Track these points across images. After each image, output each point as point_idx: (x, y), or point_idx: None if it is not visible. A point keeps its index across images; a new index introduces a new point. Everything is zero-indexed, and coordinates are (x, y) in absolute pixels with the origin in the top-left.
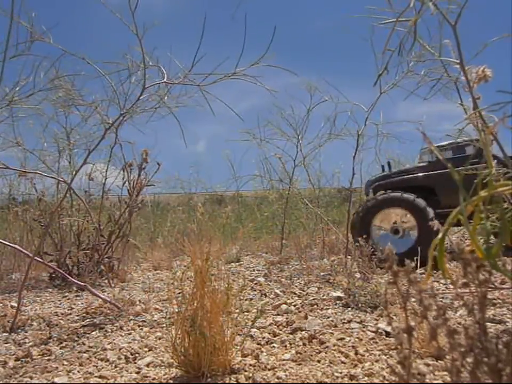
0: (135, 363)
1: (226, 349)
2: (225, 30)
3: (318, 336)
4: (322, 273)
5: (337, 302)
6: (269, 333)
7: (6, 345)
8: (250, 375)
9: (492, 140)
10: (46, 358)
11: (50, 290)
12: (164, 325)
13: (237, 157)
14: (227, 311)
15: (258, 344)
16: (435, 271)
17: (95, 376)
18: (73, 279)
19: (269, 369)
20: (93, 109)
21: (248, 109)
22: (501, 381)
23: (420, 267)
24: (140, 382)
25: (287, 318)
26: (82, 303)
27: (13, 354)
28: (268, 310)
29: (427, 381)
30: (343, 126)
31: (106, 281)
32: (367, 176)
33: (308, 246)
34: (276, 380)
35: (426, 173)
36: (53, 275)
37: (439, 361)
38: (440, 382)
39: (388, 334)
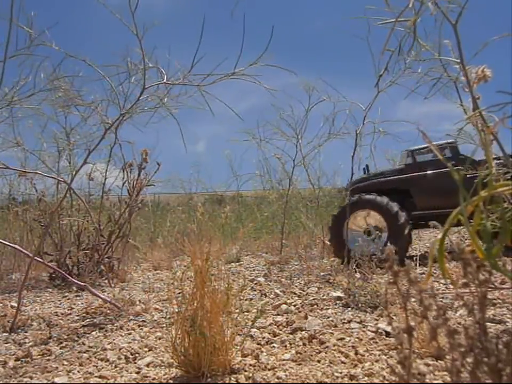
0: (135, 363)
1: (226, 349)
2: (225, 30)
3: (318, 336)
4: (322, 273)
5: (337, 302)
6: (269, 333)
7: (6, 345)
8: (250, 375)
9: (492, 139)
10: (46, 358)
11: (50, 290)
12: (164, 325)
13: (237, 157)
14: (227, 311)
15: (258, 344)
16: (435, 271)
17: (95, 376)
18: (73, 279)
19: (269, 369)
20: (92, 109)
21: (248, 108)
22: (501, 381)
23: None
24: (140, 382)
25: (287, 318)
26: (82, 303)
27: (13, 354)
28: (268, 310)
29: (427, 381)
30: (342, 125)
31: (106, 281)
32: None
33: (308, 246)
34: (276, 380)
35: (401, 176)
36: (53, 275)
37: (439, 361)
38: (440, 382)
39: (387, 334)
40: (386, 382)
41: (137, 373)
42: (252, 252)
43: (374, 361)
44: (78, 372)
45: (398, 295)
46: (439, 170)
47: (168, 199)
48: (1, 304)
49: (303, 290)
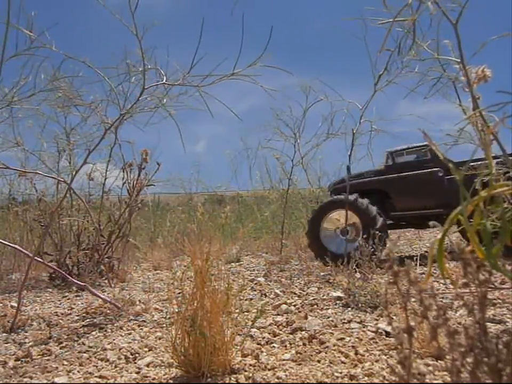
0: (135, 363)
1: (226, 349)
2: (224, 30)
3: (318, 336)
4: (322, 273)
5: (337, 302)
6: (269, 333)
7: (6, 345)
8: (250, 375)
9: (492, 139)
10: (46, 358)
11: (50, 290)
12: (164, 325)
13: (237, 157)
14: (227, 311)
15: (258, 344)
16: (435, 271)
17: (95, 376)
18: (73, 279)
19: (269, 369)
20: (92, 109)
21: (248, 109)
22: (501, 381)
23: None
24: (140, 382)
25: (287, 318)
26: (82, 303)
27: (13, 354)
28: (268, 310)
29: (427, 381)
30: (341, 124)
31: (106, 281)
32: None
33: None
34: (276, 380)
35: (380, 177)
36: (53, 275)
37: (439, 361)
38: (440, 382)
39: (388, 334)
40: (386, 382)
41: (137, 373)
42: (252, 252)
43: (374, 361)
44: (78, 371)
45: (398, 295)
46: (415, 172)
47: (168, 199)
48: (1, 304)
49: (303, 290)
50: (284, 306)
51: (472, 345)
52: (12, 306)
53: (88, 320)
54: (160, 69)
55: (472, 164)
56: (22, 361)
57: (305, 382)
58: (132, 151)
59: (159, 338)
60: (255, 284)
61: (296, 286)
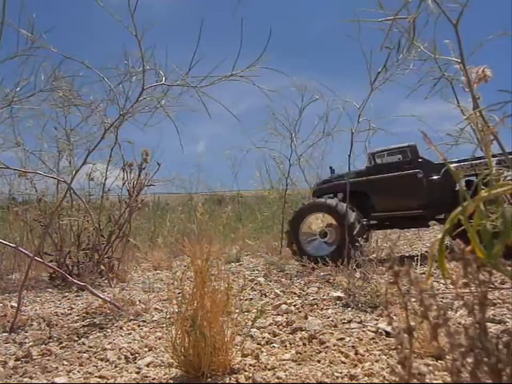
0: (135, 363)
1: (226, 349)
2: (224, 30)
3: (318, 336)
4: (322, 273)
5: (337, 302)
6: (269, 333)
7: (6, 345)
8: (250, 375)
9: (492, 139)
10: (46, 358)
11: (50, 290)
12: (164, 325)
13: (237, 157)
14: (227, 311)
15: (258, 344)
16: (435, 271)
17: (95, 376)
18: (73, 279)
19: (269, 369)
20: (92, 109)
21: (248, 108)
22: (501, 381)
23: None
24: (140, 382)
25: (287, 318)
26: (82, 303)
27: (13, 354)
28: (268, 310)
29: (427, 381)
30: (337, 123)
31: (106, 281)
32: None
33: None
34: (276, 380)
35: (360, 178)
36: (53, 275)
37: (439, 361)
38: (440, 382)
39: (388, 334)
40: (386, 382)
41: (137, 373)
42: (252, 252)
43: (374, 361)
44: (78, 371)
45: (398, 295)
46: (395, 173)
47: (168, 199)
48: (1, 304)
49: (303, 290)
50: (284, 306)
51: (472, 345)
52: (11, 306)
53: (88, 320)
54: (159, 69)
55: (457, 165)
56: (22, 361)
57: (305, 382)
58: (132, 151)
59: (159, 338)
60: (255, 283)
61: (296, 286)
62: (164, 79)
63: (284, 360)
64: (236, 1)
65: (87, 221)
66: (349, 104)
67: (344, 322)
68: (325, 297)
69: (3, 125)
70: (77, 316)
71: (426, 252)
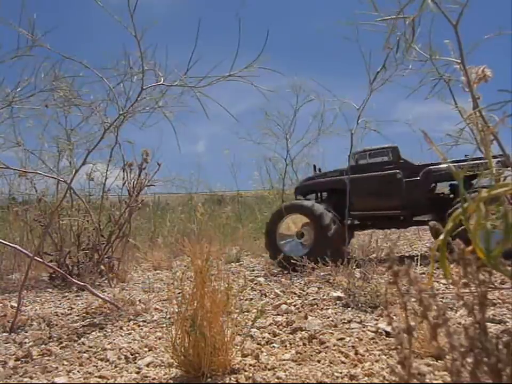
0: (135, 363)
1: (226, 349)
2: (223, 30)
3: (318, 336)
4: (322, 273)
5: (337, 302)
6: (269, 333)
7: (6, 345)
8: (250, 375)
9: (492, 139)
10: (46, 358)
11: (50, 290)
12: (164, 325)
13: (237, 157)
14: (227, 311)
15: (258, 344)
16: (434, 271)
17: (95, 376)
18: (73, 279)
19: (269, 369)
20: (92, 109)
21: (247, 109)
22: (501, 381)
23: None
24: (140, 382)
25: (287, 318)
26: (82, 303)
27: (13, 354)
28: (268, 310)
29: (427, 381)
30: (335, 124)
31: (106, 281)
32: None
33: None
34: (276, 380)
35: (341, 177)
36: (53, 275)
37: (439, 361)
38: (440, 382)
39: (388, 334)
40: (386, 382)
41: (137, 373)
42: (252, 252)
43: (374, 361)
44: (78, 371)
45: (398, 295)
46: (373, 173)
47: (168, 199)
48: (1, 304)
49: (303, 290)
50: (284, 306)
51: (472, 345)
52: (11, 306)
53: (88, 320)
54: (157, 70)
55: (434, 166)
56: (22, 361)
57: (305, 382)
58: (132, 151)
59: (159, 338)
60: (255, 283)
61: (296, 286)
62: (162, 79)
63: (284, 360)
64: (236, 1)
65: (87, 221)
66: (347, 105)
67: (344, 322)
68: (325, 297)
69: (3, 125)
70: (77, 316)
71: (426, 252)
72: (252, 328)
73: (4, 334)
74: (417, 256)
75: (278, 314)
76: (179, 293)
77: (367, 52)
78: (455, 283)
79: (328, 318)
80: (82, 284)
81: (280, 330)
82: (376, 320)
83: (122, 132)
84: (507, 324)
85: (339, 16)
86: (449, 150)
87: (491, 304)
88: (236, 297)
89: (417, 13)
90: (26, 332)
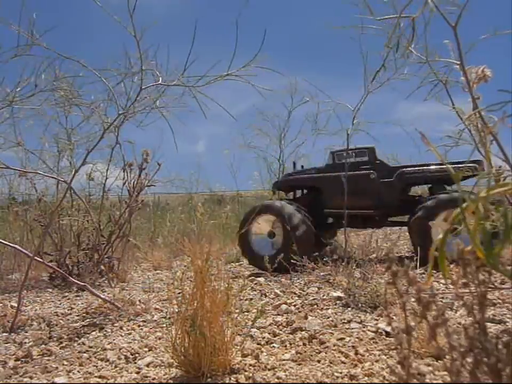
0: (135, 363)
1: (226, 349)
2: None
3: (318, 336)
4: (322, 273)
5: (337, 302)
6: (269, 333)
7: (6, 345)
8: (250, 375)
9: (492, 140)
10: (46, 358)
11: (50, 290)
12: (164, 325)
13: (237, 157)
14: (227, 311)
15: (258, 344)
16: (435, 271)
17: (95, 376)
18: (73, 279)
19: (269, 369)
20: (92, 109)
21: (247, 108)
22: (501, 381)
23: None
24: (140, 382)
25: (287, 318)
26: (82, 303)
27: (13, 354)
28: (268, 310)
29: (427, 381)
30: (329, 125)
31: (106, 281)
32: None
33: None
34: (276, 380)
35: (316, 175)
36: (53, 275)
37: (439, 361)
38: (440, 382)
39: (387, 334)
40: (386, 382)
41: (137, 373)
42: None
43: (374, 361)
44: (78, 371)
45: (397, 295)
46: (348, 172)
47: (168, 199)
48: (1, 304)
49: (303, 290)
50: (284, 306)
51: (471, 345)
52: (11, 306)
53: (88, 320)
54: (155, 70)
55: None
56: (22, 361)
57: (305, 382)
58: (132, 151)
59: (159, 338)
60: (255, 284)
61: (296, 286)
62: (160, 79)
63: (284, 360)
64: (235, 1)
65: (87, 221)
66: (342, 106)
67: (344, 322)
68: (325, 297)
69: (4, 125)
70: (77, 315)
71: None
72: (252, 328)
73: (4, 334)
74: (417, 256)
75: (278, 314)
76: (179, 293)
77: (366, 51)
78: (454, 283)
79: (328, 318)
80: (82, 284)
81: (280, 330)
82: (376, 320)
83: (122, 132)
84: (507, 323)
85: (338, 15)
86: (448, 151)
87: (491, 304)
88: (236, 297)
89: (417, 13)
90: (26, 332)
